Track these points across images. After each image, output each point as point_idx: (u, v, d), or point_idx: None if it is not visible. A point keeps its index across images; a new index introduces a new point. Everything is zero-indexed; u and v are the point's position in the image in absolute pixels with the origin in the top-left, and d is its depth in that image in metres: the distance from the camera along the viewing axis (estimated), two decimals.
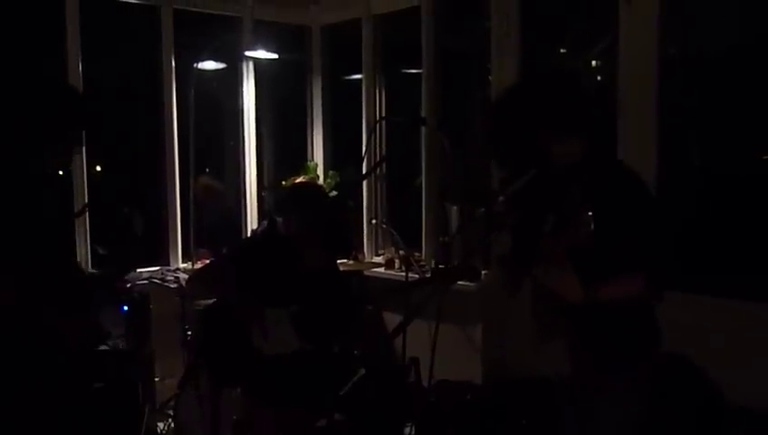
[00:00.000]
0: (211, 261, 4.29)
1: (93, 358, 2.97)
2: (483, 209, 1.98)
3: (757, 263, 3.49)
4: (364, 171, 5.20)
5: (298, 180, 5.12)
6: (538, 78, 2.44)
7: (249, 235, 5.26)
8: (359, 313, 3.53)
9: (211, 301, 3.58)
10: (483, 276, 4.56)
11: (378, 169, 5.27)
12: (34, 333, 2.43)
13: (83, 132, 2.77)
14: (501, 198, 1.95)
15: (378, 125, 5.17)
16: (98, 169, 4.87)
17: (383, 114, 5.31)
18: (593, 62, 4.68)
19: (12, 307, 2.39)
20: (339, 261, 4.73)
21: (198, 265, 4.75)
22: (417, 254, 4.84)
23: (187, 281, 3.83)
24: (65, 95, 2.71)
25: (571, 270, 2.03)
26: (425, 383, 3.92)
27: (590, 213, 1.89)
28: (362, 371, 1.82)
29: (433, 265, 4.76)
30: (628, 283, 2.07)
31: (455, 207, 4.64)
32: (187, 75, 4.94)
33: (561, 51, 4.96)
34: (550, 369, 2.46)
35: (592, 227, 1.89)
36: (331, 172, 5.50)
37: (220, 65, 5.37)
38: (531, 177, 1.94)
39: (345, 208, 5.08)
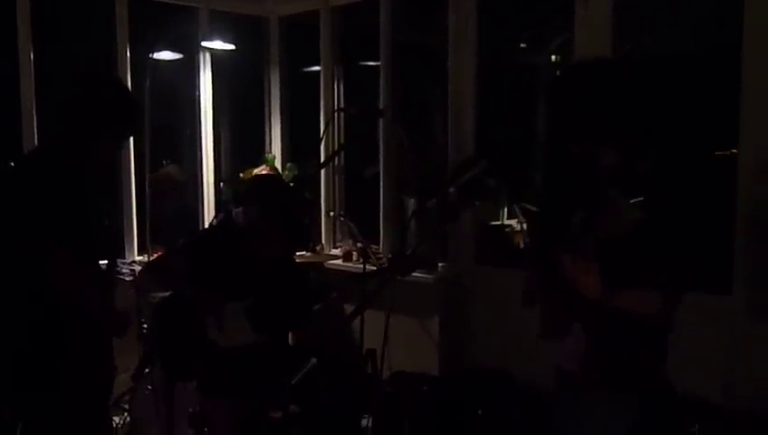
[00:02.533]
0: (163, 253, 4.24)
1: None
2: (434, 200, 1.99)
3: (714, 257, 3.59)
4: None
5: (256, 172, 5.09)
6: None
7: (204, 227, 5.22)
8: (318, 303, 3.52)
9: (165, 294, 3.55)
10: (439, 268, 4.62)
11: (335, 161, 5.27)
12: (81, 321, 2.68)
13: (131, 129, 2.90)
14: (452, 190, 1.95)
15: (335, 116, 5.17)
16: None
17: (341, 106, 5.31)
18: (552, 57, 4.75)
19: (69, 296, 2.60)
20: (297, 253, 4.74)
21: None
22: (374, 246, 4.86)
23: (139, 273, 3.80)
24: (113, 91, 2.82)
25: (594, 265, 1.99)
26: (382, 375, 3.94)
27: (629, 202, 1.88)
28: (314, 360, 1.82)
29: (389, 256, 4.78)
30: (647, 298, 2.02)
31: (412, 200, 4.67)
32: (143, 65, 4.88)
33: (522, 45, 5.02)
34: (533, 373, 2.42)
35: (632, 215, 1.87)
36: (289, 164, 5.48)
37: (176, 55, 5.31)
38: (481, 169, 1.95)
39: (303, 200, 5.07)
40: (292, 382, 1.83)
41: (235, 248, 3.31)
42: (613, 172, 2.06)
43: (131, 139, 2.88)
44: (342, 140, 5.35)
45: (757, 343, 3.34)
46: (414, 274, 4.54)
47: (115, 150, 2.83)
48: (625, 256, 1.98)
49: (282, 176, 5.19)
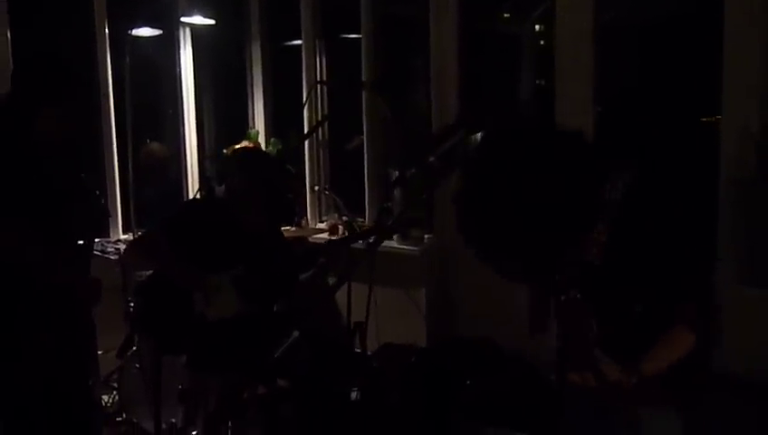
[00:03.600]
0: (146, 230, 4.23)
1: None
2: (413, 170, 1.96)
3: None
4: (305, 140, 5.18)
5: (239, 147, 5.06)
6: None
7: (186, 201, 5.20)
8: (305, 272, 3.54)
9: (150, 271, 3.55)
10: (425, 240, 4.63)
11: (318, 135, 5.25)
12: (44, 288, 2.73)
13: (75, 104, 2.85)
14: (432, 158, 1.92)
15: (317, 89, 5.14)
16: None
17: (323, 79, 5.27)
18: (536, 27, 4.73)
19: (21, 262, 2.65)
20: (282, 228, 4.73)
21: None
22: (360, 219, 4.86)
23: (124, 251, 3.80)
24: (48, 67, 2.81)
25: (598, 367, 1.89)
26: (369, 347, 3.95)
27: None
28: (296, 333, 1.82)
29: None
30: (674, 346, 1.90)
31: (396, 172, 4.66)
32: (122, 42, 4.82)
33: (503, 15, 4.99)
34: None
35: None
36: (272, 139, 5.45)
37: (156, 32, 5.24)
38: (460, 136, 1.92)
39: (286, 174, 5.05)
40: (275, 355, 1.82)
41: (219, 222, 3.31)
42: None
43: (74, 109, 2.83)
44: (325, 114, 5.32)
45: (744, 306, 3.37)
46: (400, 246, 4.59)
47: (57, 121, 2.80)
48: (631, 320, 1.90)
49: (263, 149, 5.16)
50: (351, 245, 3.35)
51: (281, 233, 3.83)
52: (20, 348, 2.73)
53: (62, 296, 2.83)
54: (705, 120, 3.86)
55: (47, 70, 2.81)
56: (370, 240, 2.25)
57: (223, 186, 3.55)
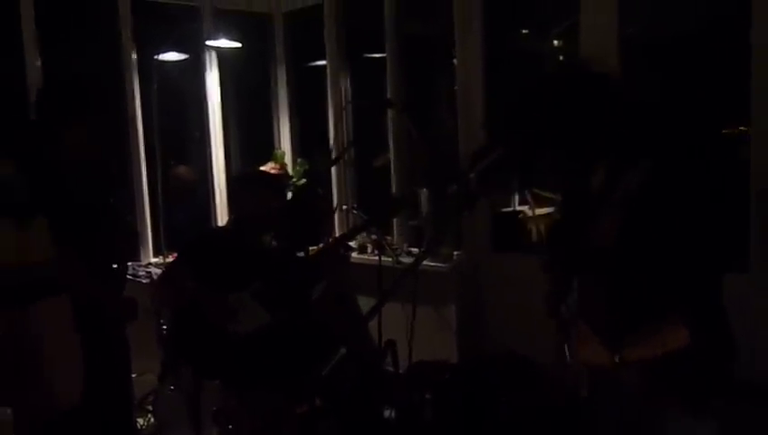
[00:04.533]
0: (167, 265, 4.31)
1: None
2: (454, 187, 1.96)
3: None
4: (332, 157, 5.21)
5: (265, 169, 5.11)
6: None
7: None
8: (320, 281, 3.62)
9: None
10: (454, 257, 4.63)
11: (346, 155, 5.28)
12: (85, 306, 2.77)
13: (103, 123, 2.90)
14: (471, 175, 1.93)
15: (344, 110, 5.17)
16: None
17: (349, 99, 5.31)
18: (555, 42, 4.74)
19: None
20: (310, 247, 4.76)
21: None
22: (388, 238, 4.87)
23: (151, 290, 3.89)
24: (72, 86, 2.87)
25: (594, 341, 1.93)
26: (402, 365, 3.95)
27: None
28: (343, 351, 1.84)
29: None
30: (665, 337, 1.87)
31: (424, 190, 4.67)
32: (149, 67, 4.89)
33: (524, 32, 5.00)
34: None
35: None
36: (299, 160, 5.49)
37: (182, 56, 5.32)
38: (498, 155, 1.93)
39: (314, 195, 5.09)
40: (323, 373, 1.84)
41: (229, 244, 3.44)
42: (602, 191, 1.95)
43: (101, 129, 2.88)
44: (352, 133, 5.35)
45: None
46: (429, 263, 4.59)
47: (83, 140, 2.84)
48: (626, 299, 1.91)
49: (265, 171, 5.20)
50: (384, 264, 3.40)
51: (293, 250, 3.91)
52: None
53: (97, 316, 2.86)
54: (727, 131, 3.85)
55: (72, 89, 2.87)
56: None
57: None
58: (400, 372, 3.95)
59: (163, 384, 3.68)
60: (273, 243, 3.75)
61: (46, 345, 2.72)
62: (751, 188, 3.43)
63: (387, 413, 3.97)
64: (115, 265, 3.11)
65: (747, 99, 3.41)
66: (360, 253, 4.95)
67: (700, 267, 1.85)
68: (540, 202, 4.53)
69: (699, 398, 1.96)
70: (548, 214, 4.35)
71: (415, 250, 4.80)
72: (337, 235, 5.25)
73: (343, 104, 5.16)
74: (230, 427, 3.51)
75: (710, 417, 1.97)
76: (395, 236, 4.96)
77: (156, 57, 4.94)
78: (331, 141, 5.09)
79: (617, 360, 1.90)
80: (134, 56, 4.92)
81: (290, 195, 4.98)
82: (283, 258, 3.67)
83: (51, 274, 2.69)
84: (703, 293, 1.87)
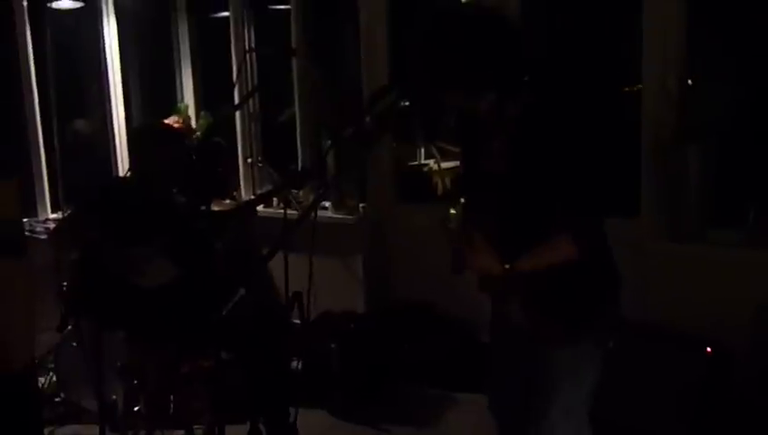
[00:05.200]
0: (68, 213, 4.20)
1: None
2: (350, 130, 1.99)
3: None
4: (237, 112, 5.14)
5: (167, 122, 5.00)
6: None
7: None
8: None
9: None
10: (361, 209, 4.68)
11: (250, 107, 5.21)
12: None
13: None
14: (367, 118, 1.95)
15: (247, 59, 5.08)
16: None
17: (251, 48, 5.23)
18: None
19: None
20: (215, 201, 4.72)
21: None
22: (294, 190, 4.86)
23: (49, 235, 3.78)
24: None
25: (486, 250, 2.00)
26: (309, 316, 3.99)
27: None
28: (242, 290, 1.85)
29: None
30: (554, 249, 1.95)
31: (329, 140, 4.68)
32: (42, 15, 4.68)
33: None
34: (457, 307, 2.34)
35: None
36: (203, 112, 5.40)
37: (77, 4, 5.10)
38: (393, 96, 1.96)
39: (218, 149, 5.03)
40: (223, 313, 1.85)
41: (132, 198, 3.37)
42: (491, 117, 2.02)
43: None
44: (257, 83, 5.27)
45: (665, 262, 3.53)
46: (335, 215, 4.63)
47: None
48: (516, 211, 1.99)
49: (162, 124, 5.11)
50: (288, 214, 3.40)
51: (197, 203, 3.88)
52: None
53: None
54: (628, 88, 3.99)
55: None
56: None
57: None
58: (307, 323, 3.99)
59: (64, 338, 3.62)
60: (179, 197, 3.69)
61: None
62: (642, 139, 3.59)
63: (294, 364, 4.03)
64: None
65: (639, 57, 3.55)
66: (266, 206, 4.93)
67: (579, 195, 1.94)
68: (446, 156, 4.62)
69: (580, 327, 2.06)
70: (454, 167, 4.44)
71: (322, 203, 4.81)
72: (242, 189, 5.22)
73: (246, 50, 5.06)
74: (135, 382, 3.50)
75: (593, 346, 2.07)
76: (301, 190, 4.95)
77: (48, 5, 4.74)
78: (236, 93, 5.01)
79: (507, 267, 1.98)
80: (24, 3, 4.70)
81: (194, 148, 4.90)
82: (187, 212, 3.63)
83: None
84: (585, 217, 1.96)
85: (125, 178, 4.18)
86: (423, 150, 4.97)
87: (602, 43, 3.99)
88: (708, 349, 3.17)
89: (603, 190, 2.02)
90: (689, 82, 3.56)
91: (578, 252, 1.93)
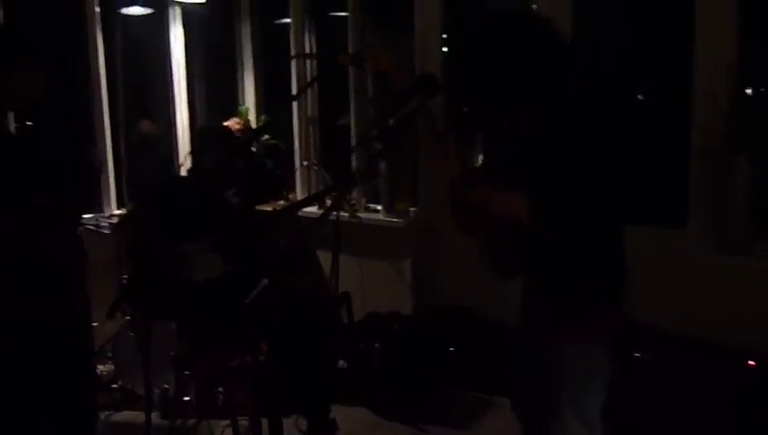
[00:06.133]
0: (131, 207, 4.39)
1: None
2: (375, 131, 2.05)
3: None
4: (295, 115, 5.27)
5: (228, 123, 5.16)
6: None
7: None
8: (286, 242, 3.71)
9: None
10: (411, 213, 4.74)
11: (308, 110, 5.33)
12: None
13: (38, 69, 2.80)
14: (391, 121, 2.01)
15: (305, 66, 5.21)
16: (28, 123, 4.85)
17: (312, 53, 5.35)
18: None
19: None
20: (270, 202, 4.86)
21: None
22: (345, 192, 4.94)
23: (112, 228, 3.95)
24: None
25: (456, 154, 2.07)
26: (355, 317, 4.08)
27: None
28: (265, 281, 1.92)
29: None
30: (507, 198, 1.96)
31: (380, 146, 4.75)
32: (113, 21, 4.91)
33: None
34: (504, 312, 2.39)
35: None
36: (262, 116, 5.55)
37: (147, 10, 5.33)
38: (418, 101, 2.02)
39: (276, 152, 5.17)
40: (246, 301, 1.94)
41: (198, 192, 3.49)
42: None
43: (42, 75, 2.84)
44: (315, 91, 5.39)
45: (711, 274, 3.49)
46: (386, 218, 4.71)
47: (28, 90, 2.85)
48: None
49: (226, 127, 5.26)
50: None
51: (252, 203, 4.00)
52: (18, 326, 2.77)
53: (55, 272, 2.87)
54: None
55: (13, 31, 2.93)
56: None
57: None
58: (352, 323, 4.08)
59: (122, 328, 3.79)
60: (234, 198, 3.83)
61: None
62: (691, 147, 3.56)
63: (340, 363, 4.12)
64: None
65: (690, 61, 3.52)
66: (320, 209, 5.04)
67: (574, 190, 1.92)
68: None
69: (570, 323, 2.06)
70: None
71: (373, 206, 4.90)
72: (298, 191, 5.34)
73: (298, 54, 5.18)
74: (186, 373, 3.64)
75: (597, 345, 2.07)
76: (354, 192, 5.04)
77: (120, 11, 4.97)
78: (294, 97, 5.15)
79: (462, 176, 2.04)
80: (97, 9, 4.93)
81: (253, 150, 5.05)
82: (240, 212, 3.76)
83: None
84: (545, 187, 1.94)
85: (184, 176, 4.34)
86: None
87: (653, 49, 3.96)
88: (751, 362, 3.13)
89: (618, 197, 2.03)
90: (746, 90, 3.52)
91: (528, 216, 1.92)
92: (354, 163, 5.02)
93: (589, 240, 1.96)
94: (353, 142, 5.02)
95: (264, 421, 2.85)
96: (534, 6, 4.00)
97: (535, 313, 2.15)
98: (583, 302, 2.05)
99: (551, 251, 1.95)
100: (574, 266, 1.99)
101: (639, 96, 4.28)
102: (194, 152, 3.71)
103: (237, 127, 5.20)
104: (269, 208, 4.69)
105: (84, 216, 4.64)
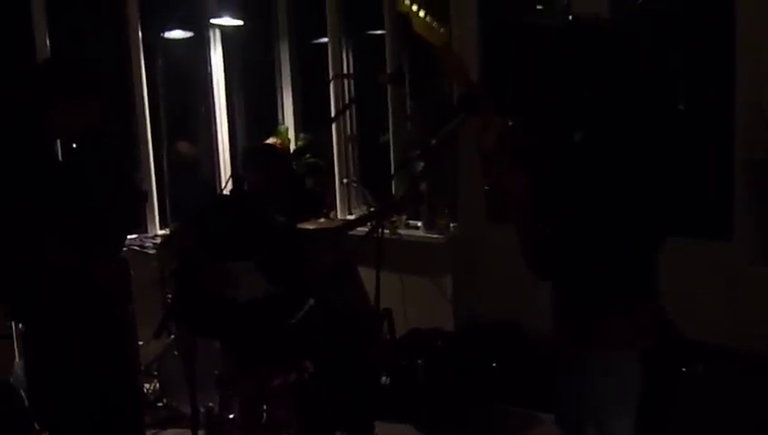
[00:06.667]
0: (174, 227, 4.45)
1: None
2: (418, 151, 2.07)
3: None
4: (334, 134, 5.31)
5: (266, 143, 5.22)
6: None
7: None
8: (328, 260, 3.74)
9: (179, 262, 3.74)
10: (451, 228, 4.74)
11: (347, 128, 5.37)
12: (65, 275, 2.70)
13: (83, 102, 2.87)
14: (433, 141, 2.02)
15: (344, 85, 5.25)
16: (74, 145, 4.96)
17: (350, 73, 5.40)
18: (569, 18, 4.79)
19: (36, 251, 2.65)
20: (310, 220, 4.90)
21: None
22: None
23: (157, 247, 4.01)
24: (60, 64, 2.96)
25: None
26: (397, 333, 4.09)
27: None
28: (311, 301, 1.94)
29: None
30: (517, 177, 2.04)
31: (421, 163, 4.77)
32: (155, 45, 5.01)
33: (538, 7, 5.05)
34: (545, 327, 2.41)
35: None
36: (302, 135, 5.60)
37: (187, 34, 5.43)
38: (460, 120, 2.03)
39: (316, 170, 5.21)
40: (293, 321, 1.96)
41: (238, 214, 3.54)
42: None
43: (98, 112, 2.91)
44: (353, 110, 5.43)
45: (758, 286, 3.43)
46: (426, 235, 4.71)
47: (73, 123, 2.91)
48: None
49: (272, 145, 5.31)
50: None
51: (295, 222, 4.03)
52: (62, 344, 2.80)
53: (101, 294, 2.87)
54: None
55: (58, 66, 2.95)
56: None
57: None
58: (395, 339, 4.08)
59: (167, 347, 3.84)
60: (280, 217, 3.85)
61: None
62: (736, 159, 3.51)
63: (383, 380, 4.12)
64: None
65: (733, 69, 3.48)
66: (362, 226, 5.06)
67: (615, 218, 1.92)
68: None
69: (589, 330, 2.06)
70: None
71: (414, 222, 4.90)
72: (338, 209, 5.37)
73: (336, 75, 5.23)
74: (231, 391, 3.67)
75: (624, 355, 2.05)
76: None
77: (161, 35, 5.07)
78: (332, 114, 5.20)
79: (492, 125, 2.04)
80: (140, 34, 5.04)
81: (293, 169, 5.10)
82: (287, 232, 3.79)
83: None
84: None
85: (227, 195, 4.38)
86: None
87: (695, 59, 3.93)
88: None
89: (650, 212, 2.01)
90: None
91: (525, 195, 1.99)
92: (395, 183, 5.05)
93: (605, 249, 1.96)
94: (392, 159, 5.04)
95: None
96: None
97: (563, 328, 2.15)
98: (607, 316, 2.03)
99: (565, 252, 1.96)
100: (591, 275, 1.99)
101: (681, 106, 4.22)
102: (238, 171, 3.74)
103: (277, 146, 5.26)
104: (310, 227, 4.72)
105: (129, 237, 4.77)
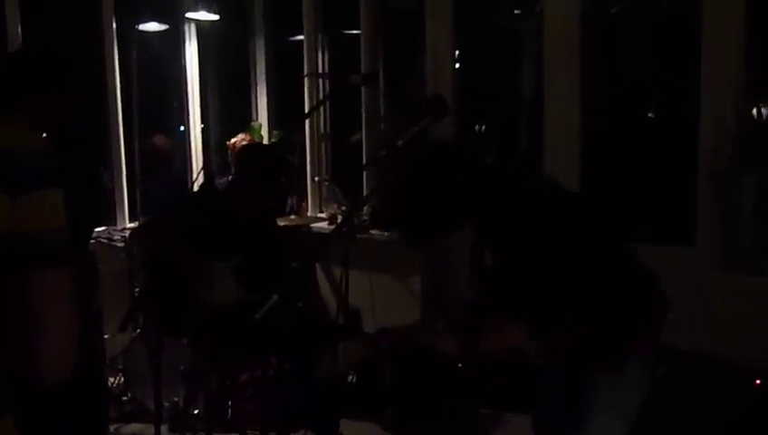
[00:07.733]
0: (151, 217, 4.39)
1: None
2: (384, 152, 2.10)
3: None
4: (307, 131, 5.32)
5: (235, 140, 5.18)
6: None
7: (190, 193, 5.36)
8: (297, 260, 3.71)
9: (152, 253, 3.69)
10: None
11: (320, 127, 5.38)
12: None
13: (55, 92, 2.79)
14: (399, 141, 2.05)
15: (318, 84, 5.26)
16: (43, 135, 4.91)
17: (325, 72, 5.41)
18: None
19: None
20: (280, 217, 4.89)
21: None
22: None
23: (129, 235, 3.96)
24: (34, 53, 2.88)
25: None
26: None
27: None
28: (275, 296, 1.95)
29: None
30: (508, 333, 2.10)
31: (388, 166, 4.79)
32: (129, 37, 4.97)
33: (515, 12, 5.09)
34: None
35: None
36: (275, 131, 5.61)
37: (162, 27, 5.40)
38: (426, 123, 2.07)
39: (287, 165, 5.20)
40: (256, 317, 1.97)
41: (221, 212, 3.47)
42: None
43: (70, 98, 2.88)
44: (328, 108, 5.44)
45: (720, 290, 3.50)
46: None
47: (45, 113, 2.89)
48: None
49: (262, 141, 5.31)
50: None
51: (275, 222, 3.99)
52: None
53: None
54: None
55: (30, 55, 2.87)
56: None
57: (225, 178, 3.71)
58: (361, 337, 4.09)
59: (133, 340, 3.83)
60: (264, 220, 3.78)
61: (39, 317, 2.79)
62: (699, 168, 3.58)
63: (349, 377, 4.13)
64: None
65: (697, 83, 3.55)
66: (330, 223, 5.08)
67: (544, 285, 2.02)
68: None
69: (616, 357, 2.09)
70: None
71: None
72: (309, 206, 5.38)
73: (310, 73, 5.24)
74: (195, 387, 3.67)
75: (632, 373, 2.11)
76: (365, 209, 5.07)
77: (136, 27, 5.03)
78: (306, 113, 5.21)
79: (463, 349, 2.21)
80: (114, 25, 5.01)
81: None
82: (267, 234, 3.72)
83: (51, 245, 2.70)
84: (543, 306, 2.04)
85: (207, 191, 4.32)
86: None
87: (660, 71, 4.00)
88: (758, 381, 3.12)
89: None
90: (754, 111, 3.54)
91: (527, 335, 2.07)
92: (365, 181, 5.07)
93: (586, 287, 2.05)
94: (364, 159, 5.06)
95: None
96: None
97: (561, 345, 2.19)
98: (607, 333, 2.09)
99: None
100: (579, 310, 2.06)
101: (650, 114, 4.30)
102: (243, 169, 3.65)
103: (243, 143, 5.24)
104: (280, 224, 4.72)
105: (96, 229, 4.74)
